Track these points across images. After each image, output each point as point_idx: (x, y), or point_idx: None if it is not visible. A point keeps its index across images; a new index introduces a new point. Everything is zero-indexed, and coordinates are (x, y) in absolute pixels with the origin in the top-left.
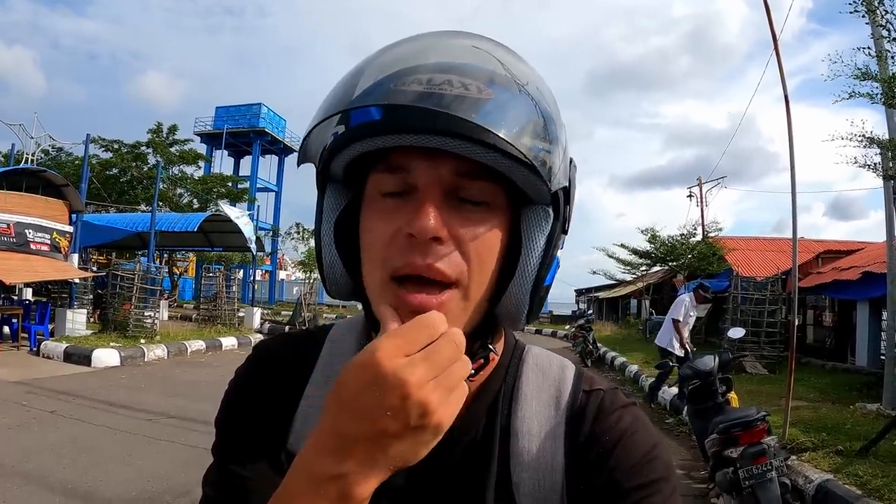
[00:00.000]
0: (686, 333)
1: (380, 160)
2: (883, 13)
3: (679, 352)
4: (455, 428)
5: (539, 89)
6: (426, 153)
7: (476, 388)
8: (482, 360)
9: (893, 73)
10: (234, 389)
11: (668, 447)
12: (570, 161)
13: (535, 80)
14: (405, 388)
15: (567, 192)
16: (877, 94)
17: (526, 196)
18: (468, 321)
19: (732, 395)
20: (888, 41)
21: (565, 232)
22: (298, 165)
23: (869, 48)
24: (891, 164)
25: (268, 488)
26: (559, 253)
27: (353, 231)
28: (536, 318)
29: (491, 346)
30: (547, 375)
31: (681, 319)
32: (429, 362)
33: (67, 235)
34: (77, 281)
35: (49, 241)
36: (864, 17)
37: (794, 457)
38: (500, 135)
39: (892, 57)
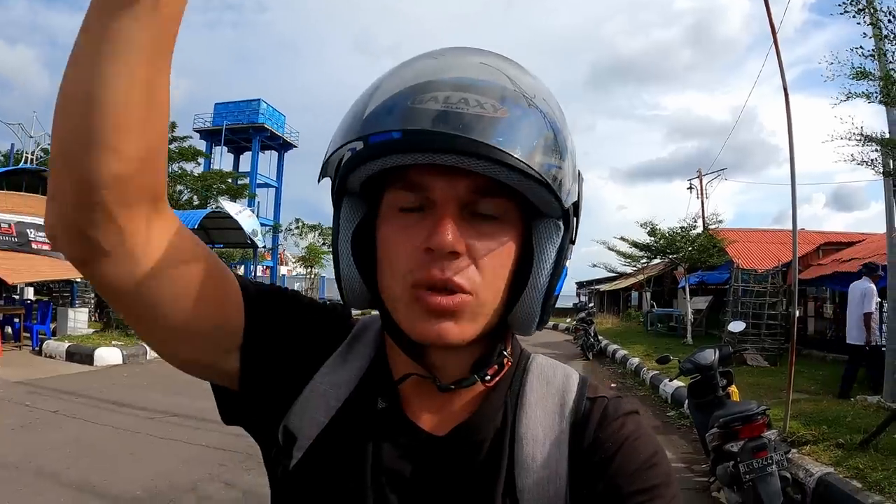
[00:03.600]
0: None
1: (397, 176)
2: (872, 11)
3: (873, 340)
4: (464, 428)
5: (546, 101)
6: (443, 170)
7: (485, 392)
8: (497, 366)
9: (888, 72)
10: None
11: (671, 445)
12: (578, 173)
13: (542, 92)
14: None
15: (577, 205)
16: (874, 94)
17: (537, 209)
18: (482, 326)
19: (733, 389)
20: (879, 39)
21: (573, 242)
22: (319, 181)
23: (862, 47)
24: (890, 162)
25: None
26: (567, 262)
27: (367, 242)
28: (546, 324)
29: (506, 353)
30: (551, 384)
31: (874, 312)
32: None
33: None
34: (79, 280)
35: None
36: (853, 17)
37: (794, 450)
38: (517, 155)
39: (885, 54)
